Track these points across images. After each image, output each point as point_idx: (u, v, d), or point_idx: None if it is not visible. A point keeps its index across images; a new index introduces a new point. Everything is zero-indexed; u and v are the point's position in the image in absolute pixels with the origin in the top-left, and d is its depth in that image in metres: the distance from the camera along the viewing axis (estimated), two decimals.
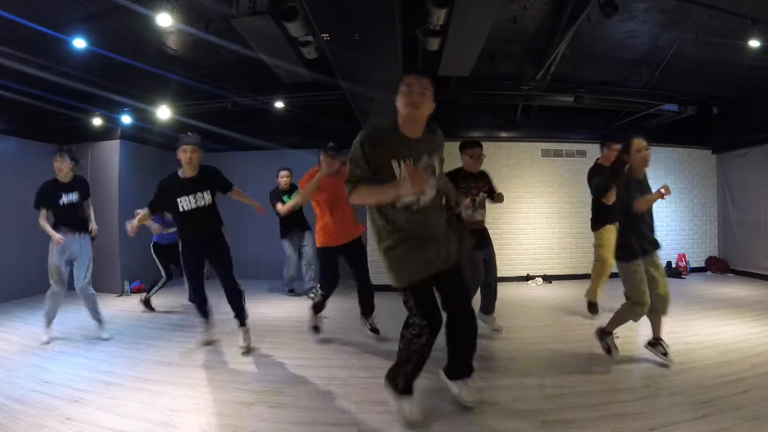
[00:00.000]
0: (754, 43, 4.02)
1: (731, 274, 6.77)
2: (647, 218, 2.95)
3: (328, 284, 3.61)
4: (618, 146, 3.81)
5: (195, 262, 3.37)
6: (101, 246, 5.80)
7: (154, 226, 4.78)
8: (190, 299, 3.53)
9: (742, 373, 2.74)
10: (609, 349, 3.09)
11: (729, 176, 6.96)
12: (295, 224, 5.40)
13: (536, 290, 6.02)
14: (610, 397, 2.47)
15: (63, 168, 3.70)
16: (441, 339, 2.25)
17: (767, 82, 5.46)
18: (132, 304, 5.23)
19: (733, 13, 3.86)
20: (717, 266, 6.97)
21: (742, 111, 6.38)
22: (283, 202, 5.11)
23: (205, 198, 3.30)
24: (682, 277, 6.64)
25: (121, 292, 5.76)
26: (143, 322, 4.32)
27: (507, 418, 2.27)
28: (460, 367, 2.37)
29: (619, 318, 3.03)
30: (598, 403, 2.39)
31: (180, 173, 3.34)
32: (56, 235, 3.57)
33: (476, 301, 3.90)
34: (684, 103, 6.00)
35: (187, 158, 3.24)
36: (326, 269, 3.63)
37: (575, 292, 5.65)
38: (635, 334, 3.70)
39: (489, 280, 3.68)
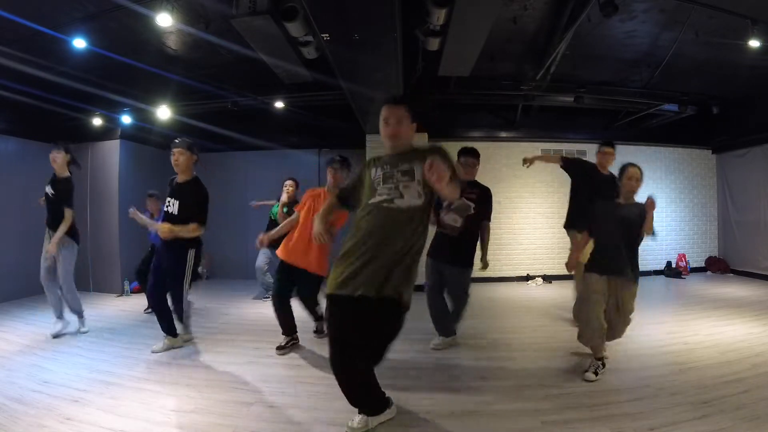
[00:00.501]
0: (754, 43, 4.02)
1: (731, 274, 6.77)
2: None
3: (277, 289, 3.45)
4: (609, 150, 3.88)
5: (154, 265, 3.36)
6: (101, 246, 5.82)
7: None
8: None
9: (742, 373, 2.74)
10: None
11: (729, 176, 6.96)
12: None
13: (536, 290, 6.02)
14: (610, 397, 2.47)
15: (56, 159, 3.69)
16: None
17: (767, 82, 5.46)
18: (132, 304, 5.22)
19: (733, 13, 3.86)
20: (717, 266, 6.97)
21: (742, 111, 6.39)
22: (273, 216, 5.07)
23: (174, 206, 3.21)
24: (682, 277, 6.64)
25: (121, 292, 5.75)
26: (143, 322, 4.31)
27: (507, 418, 2.27)
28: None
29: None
30: (598, 403, 2.39)
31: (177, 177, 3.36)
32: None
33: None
34: (684, 103, 6.01)
35: (174, 160, 3.25)
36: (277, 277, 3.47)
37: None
38: (636, 334, 3.70)
39: (452, 300, 3.45)
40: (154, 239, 4.78)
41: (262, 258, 5.26)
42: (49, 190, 3.71)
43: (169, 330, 3.38)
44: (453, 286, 3.39)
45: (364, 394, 2.10)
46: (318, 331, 3.72)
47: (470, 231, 3.31)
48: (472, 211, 3.27)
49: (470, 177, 3.39)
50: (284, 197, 4.73)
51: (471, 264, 3.37)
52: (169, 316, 3.36)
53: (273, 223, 4.90)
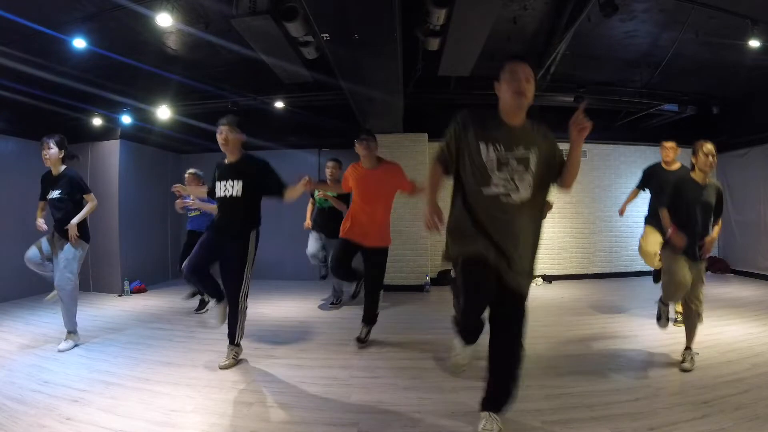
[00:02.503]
0: (754, 43, 4.03)
1: (731, 274, 6.77)
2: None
3: (335, 269, 3.48)
4: (670, 144, 4.02)
5: (207, 243, 3.01)
6: (101, 246, 5.81)
7: (188, 202, 4.47)
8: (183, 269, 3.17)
9: (742, 373, 2.74)
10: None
11: (729, 176, 6.96)
12: (329, 223, 4.77)
13: (536, 290, 6.01)
14: (610, 397, 2.47)
15: (48, 156, 3.36)
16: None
17: (767, 82, 5.47)
18: (132, 304, 5.23)
19: (733, 13, 3.86)
20: (717, 266, 6.97)
21: (742, 111, 6.38)
22: (313, 197, 4.92)
23: (234, 188, 2.98)
24: None
25: (121, 292, 5.76)
26: (143, 322, 4.31)
27: (507, 418, 2.26)
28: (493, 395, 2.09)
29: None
30: (598, 403, 2.39)
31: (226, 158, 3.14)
32: (38, 221, 3.48)
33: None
34: (684, 103, 6.00)
35: (222, 139, 3.06)
36: (335, 255, 3.44)
37: (575, 292, 5.66)
38: (636, 334, 3.71)
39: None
40: (196, 226, 4.62)
41: (314, 244, 4.92)
42: (53, 194, 3.41)
43: (217, 293, 3.09)
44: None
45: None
46: (360, 340, 3.53)
47: None
48: None
49: None
50: (329, 178, 4.63)
51: None
52: (214, 281, 3.10)
53: (322, 212, 4.87)
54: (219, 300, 3.14)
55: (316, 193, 4.77)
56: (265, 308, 4.91)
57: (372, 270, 3.49)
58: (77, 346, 3.47)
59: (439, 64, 4.33)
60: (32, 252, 3.50)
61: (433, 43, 4.00)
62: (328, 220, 4.79)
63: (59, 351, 3.34)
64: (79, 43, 3.88)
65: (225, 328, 3.15)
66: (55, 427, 2.16)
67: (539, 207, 1.99)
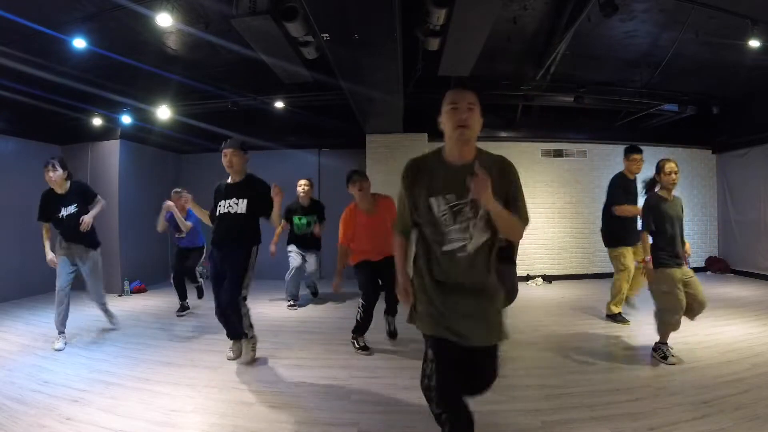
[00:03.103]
0: (754, 43, 4.03)
1: (731, 274, 6.77)
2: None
3: (369, 295, 3.39)
4: (638, 156, 3.98)
5: (217, 273, 3.12)
6: (101, 246, 5.81)
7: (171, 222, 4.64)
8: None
9: (742, 373, 2.74)
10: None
11: (729, 176, 6.96)
12: (306, 241, 4.91)
13: (536, 290, 6.02)
14: (610, 397, 2.47)
15: (55, 179, 3.44)
16: None
17: (767, 82, 5.47)
18: (132, 304, 5.23)
19: (733, 13, 3.86)
20: (717, 266, 6.97)
21: (742, 111, 6.39)
22: (290, 221, 4.83)
23: (239, 205, 3.04)
24: None
25: (121, 292, 5.76)
26: (143, 322, 4.31)
27: (507, 418, 2.27)
28: None
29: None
30: (598, 403, 2.39)
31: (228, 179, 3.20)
32: (49, 255, 3.48)
33: None
34: (684, 103, 6.01)
35: (227, 162, 3.08)
36: (364, 282, 3.41)
37: (575, 292, 5.66)
38: (636, 334, 3.71)
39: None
40: (187, 243, 4.76)
41: (296, 257, 4.88)
42: (70, 211, 3.49)
43: (236, 334, 3.18)
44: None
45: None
46: (391, 333, 3.69)
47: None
48: None
49: None
50: (301, 199, 4.79)
51: None
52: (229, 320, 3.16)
53: (299, 236, 4.88)
54: (237, 339, 3.22)
55: (295, 218, 4.80)
56: (265, 308, 4.90)
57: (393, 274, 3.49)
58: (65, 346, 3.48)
59: (439, 64, 4.33)
60: (64, 280, 3.54)
61: (433, 43, 4.00)
62: (305, 239, 4.90)
63: (55, 350, 3.38)
64: (79, 43, 3.88)
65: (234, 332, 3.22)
66: (55, 427, 2.16)
67: (496, 249, 1.74)
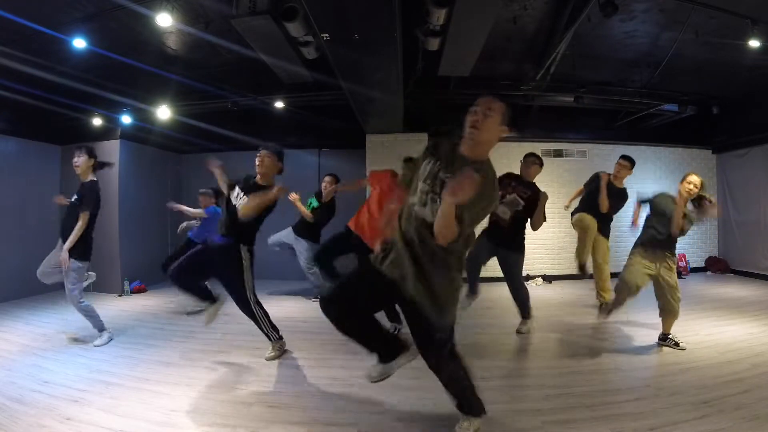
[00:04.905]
0: (754, 43, 4.03)
1: (731, 274, 6.77)
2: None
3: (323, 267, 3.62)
4: (626, 163, 4.22)
5: (200, 249, 3.23)
6: (101, 246, 5.79)
7: (193, 211, 4.86)
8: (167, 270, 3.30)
9: (742, 373, 2.74)
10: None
11: (729, 176, 6.96)
12: (311, 229, 5.04)
13: (536, 290, 6.01)
14: (610, 397, 2.47)
15: (78, 164, 3.46)
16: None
17: (767, 82, 5.46)
18: (132, 304, 5.23)
19: (733, 13, 3.86)
20: (717, 266, 6.97)
21: (742, 111, 6.38)
22: (310, 204, 5.08)
23: (241, 200, 3.07)
24: (683, 277, 6.63)
25: (121, 292, 5.75)
26: (143, 322, 4.31)
27: (507, 418, 2.27)
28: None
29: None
30: (598, 403, 2.39)
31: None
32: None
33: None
34: (684, 103, 6.01)
35: (258, 161, 3.20)
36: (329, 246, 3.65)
37: (575, 292, 5.66)
38: (636, 334, 3.71)
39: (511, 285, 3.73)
40: (196, 236, 4.85)
41: (306, 249, 5.03)
42: (71, 198, 3.54)
43: (207, 296, 3.24)
44: (510, 272, 3.67)
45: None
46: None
47: (520, 223, 3.63)
48: (520, 208, 3.57)
49: (530, 178, 3.69)
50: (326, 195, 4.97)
51: (523, 251, 3.70)
52: (199, 286, 3.27)
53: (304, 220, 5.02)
54: (212, 302, 3.27)
55: (310, 199, 5.03)
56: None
57: None
58: (112, 339, 3.61)
59: (439, 64, 4.33)
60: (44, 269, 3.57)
61: (433, 43, 3.99)
62: (302, 221, 5.00)
63: (95, 346, 3.47)
64: (79, 43, 3.88)
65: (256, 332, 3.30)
66: (55, 427, 2.16)
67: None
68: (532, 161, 3.69)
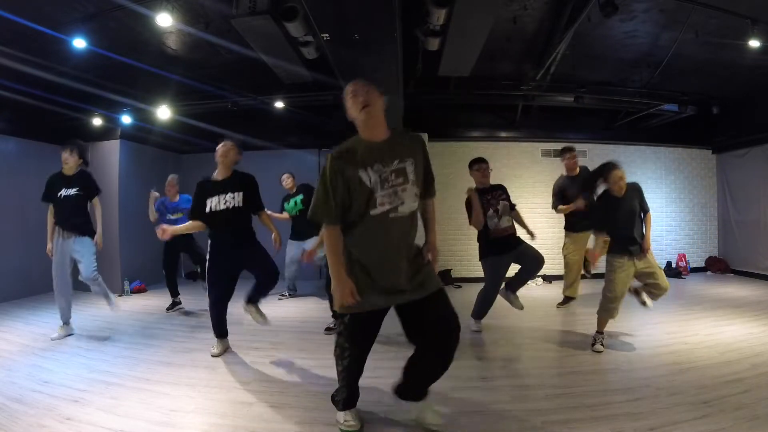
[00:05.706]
0: (754, 43, 4.03)
1: (731, 274, 6.77)
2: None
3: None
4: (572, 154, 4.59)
5: (219, 269, 3.19)
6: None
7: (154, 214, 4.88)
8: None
9: (742, 373, 2.74)
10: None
11: (729, 176, 6.96)
12: (302, 223, 5.02)
13: (536, 290, 6.02)
14: (610, 397, 2.47)
15: (68, 161, 3.69)
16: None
17: (767, 82, 5.46)
18: (132, 304, 5.23)
19: (733, 13, 3.86)
20: (717, 266, 6.97)
21: (742, 111, 6.39)
22: (283, 209, 5.16)
23: (236, 199, 3.11)
24: (682, 277, 6.63)
25: (121, 292, 5.76)
26: (143, 322, 4.31)
27: (507, 418, 2.27)
28: (417, 390, 2.22)
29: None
30: (598, 403, 2.39)
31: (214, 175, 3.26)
32: (49, 245, 3.64)
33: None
34: (684, 103, 6.01)
35: (225, 151, 3.17)
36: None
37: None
38: (636, 334, 3.71)
39: (527, 267, 3.82)
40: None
41: (294, 251, 5.15)
42: (68, 192, 3.65)
43: (223, 333, 3.39)
44: (529, 256, 3.74)
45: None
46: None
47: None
48: (511, 210, 3.76)
49: (488, 181, 3.74)
50: (288, 188, 5.16)
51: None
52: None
53: (295, 218, 5.07)
54: (223, 337, 3.39)
55: (287, 205, 5.11)
56: (265, 308, 4.87)
57: None
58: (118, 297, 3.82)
59: (439, 64, 4.33)
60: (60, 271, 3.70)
61: (433, 43, 4.00)
62: (307, 225, 4.84)
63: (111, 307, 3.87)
64: (79, 43, 3.88)
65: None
66: (55, 427, 2.16)
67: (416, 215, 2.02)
68: (483, 167, 3.71)
